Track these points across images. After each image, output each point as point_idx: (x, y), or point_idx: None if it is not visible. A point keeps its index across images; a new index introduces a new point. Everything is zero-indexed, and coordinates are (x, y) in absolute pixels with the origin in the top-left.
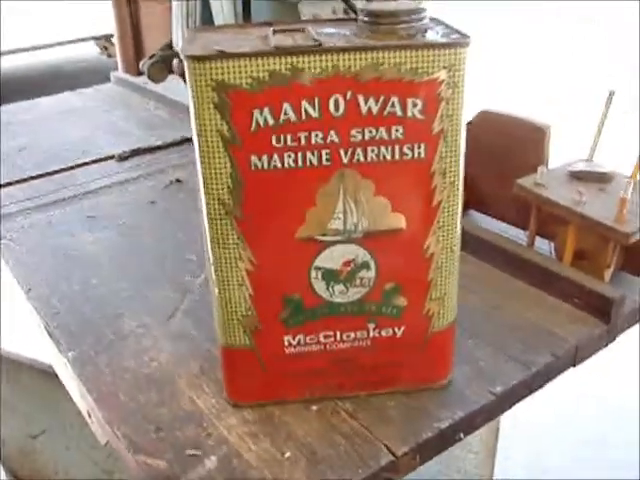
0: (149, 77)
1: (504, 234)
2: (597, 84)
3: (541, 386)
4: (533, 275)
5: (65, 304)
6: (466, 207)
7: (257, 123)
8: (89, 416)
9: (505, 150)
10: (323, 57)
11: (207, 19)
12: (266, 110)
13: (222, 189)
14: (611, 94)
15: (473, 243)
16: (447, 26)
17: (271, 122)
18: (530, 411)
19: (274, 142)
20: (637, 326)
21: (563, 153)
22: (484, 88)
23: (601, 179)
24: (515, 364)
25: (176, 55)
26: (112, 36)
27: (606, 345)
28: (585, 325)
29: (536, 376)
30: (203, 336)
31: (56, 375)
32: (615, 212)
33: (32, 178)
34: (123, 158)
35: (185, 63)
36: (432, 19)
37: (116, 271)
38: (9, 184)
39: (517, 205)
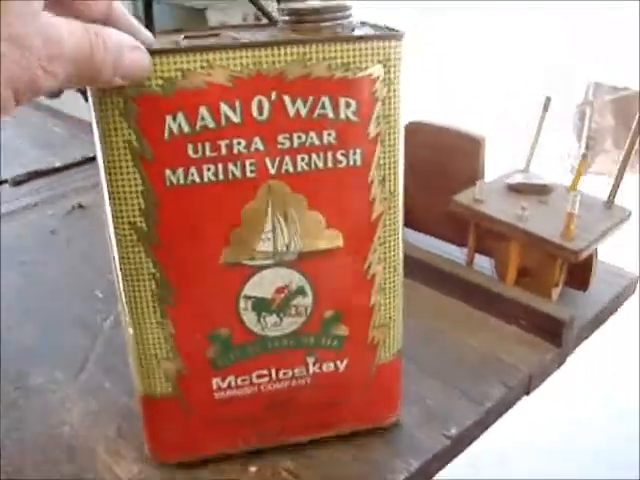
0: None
1: (438, 251)
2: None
3: (494, 422)
4: (475, 297)
5: None
6: None
7: (170, 131)
8: None
9: (438, 163)
10: (243, 53)
11: None
12: (180, 115)
13: (133, 210)
14: (548, 99)
15: (408, 263)
16: (376, 25)
17: (186, 129)
18: None
19: (190, 153)
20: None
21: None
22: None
23: (541, 191)
24: (467, 401)
25: None
26: None
27: (558, 368)
28: (534, 349)
29: (490, 412)
30: (118, 389)
31: None
32: (560, 227)
33: None
34: (17, 182)
35: None
36: (360, 21)
37: (18, 318)
38: None
39: (452, 221)
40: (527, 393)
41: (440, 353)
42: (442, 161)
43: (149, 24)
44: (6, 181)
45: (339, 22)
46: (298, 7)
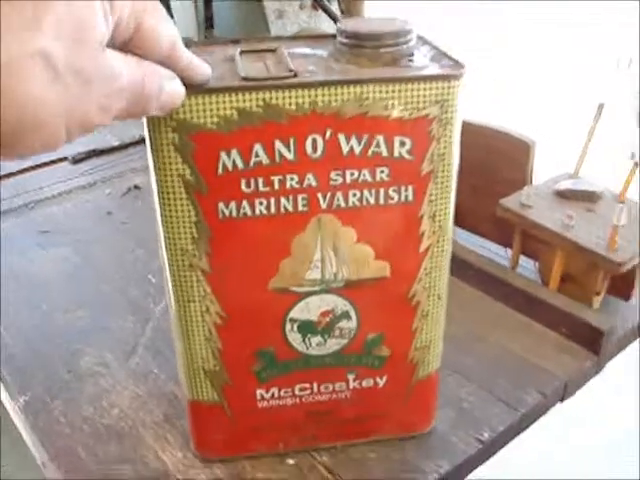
0: None
1: (484, 249)
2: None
3: (527, 427)
4: (518, 300)
5: (15, 337)
6: None
7: (224, 167)
8: (44, 467)
9: (487, 164)
10: (299, 92)
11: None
12: (234, 152)
13: (186, 239)
14: (600, 107)
15: (454, 262)
16: (434, 47)
17: (240, 165)
18: None
19: (244, 187)
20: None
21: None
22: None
23: (589, 198)
24: (502, 405)
25: None
26: None
27: (594, 376)
28: (573, 357)
29: (524, 418)
30: (165, 375)
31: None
32: (605, 238)
33: None
34: (77, 160)
35: None
36: (419, 38)
37: (72, 297)
38: None
39: (498, 222)
40: (562, 400)
41: (479, 357)
42: (491, 163)
43: (210, 19)
44: (66, 158)
45: (398, 48)
46: (357, 31)
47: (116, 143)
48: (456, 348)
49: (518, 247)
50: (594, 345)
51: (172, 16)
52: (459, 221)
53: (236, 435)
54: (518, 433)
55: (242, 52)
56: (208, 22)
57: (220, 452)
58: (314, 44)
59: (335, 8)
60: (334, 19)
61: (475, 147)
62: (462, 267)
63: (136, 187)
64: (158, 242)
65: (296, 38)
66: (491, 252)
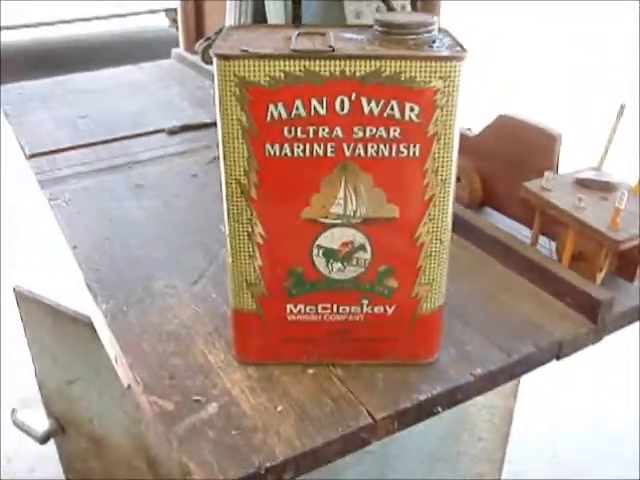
0: (202, 59)
1: (512, 231)
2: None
3: (521, 374)
4: (531, 272)
5: (105, 262)
6: (482, 204)
7: (272, 116)
8: (116, 361)
9: (518, 154)
10: (332, 62)
11: (259, 9)
12: (280, 105)
13: (239, 171)
14: (622, 107)
15: (480, 236)
16: (453, 38)
17: (284, 116)
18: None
19: (286, 133)
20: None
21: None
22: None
23: (605, 188)
24: (498, 351)
25: None
26: None
27: (592, 344)
28: (572, 323)
29: (517, 364)
30: (221, 299)
31: (92, 326)
32: (609, 221)
33: (87, 145)
34: (172, 132)
35: (214, 60)
36: (441, 30)
37: (155, 236)
38: (66, 149)
39: (525, 205)
40: (557, 358)
41: (486, 311)
42: (522, 152)
43: (297, 15)
44: (163, 130)
45: (421, 37)
46: (388, 20)
47: (208, 120)
48: (467, 301)
49: (538, 226)
50: (593, 314)
51: (265, 15)
52: (495, 205)
53: (269, 343)
54: (510, 377)
55: (299, 34)
56: (297, 21)
57: (254, 357)
58: (359, 31)
59: (409, 9)
60: (390, 9)
61: (508, 137)
62: (489, 241)
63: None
64: (219, 174)
65: (347, 26)
66: (519, 233)
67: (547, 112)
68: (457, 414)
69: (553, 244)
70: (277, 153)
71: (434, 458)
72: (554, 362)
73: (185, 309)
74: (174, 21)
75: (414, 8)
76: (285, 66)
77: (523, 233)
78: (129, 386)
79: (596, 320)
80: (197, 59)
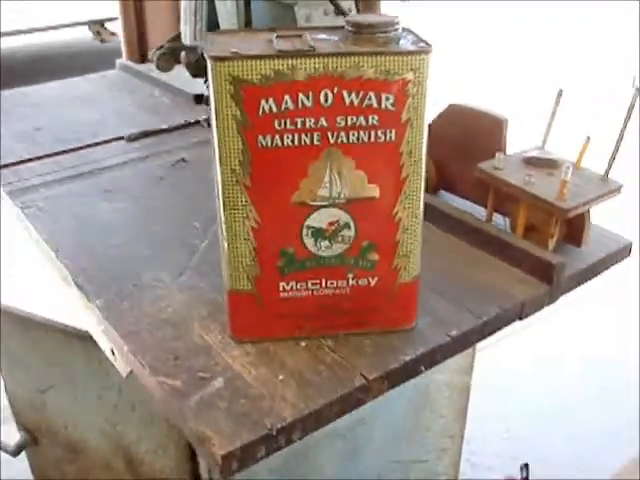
0: (157, 67)
1: (468, 211)
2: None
3: (491, 333)
4: (490, 245)
5: (90, 262)
6: (437, 188)
7: (263, 110)
8: (112, 353)
9: (469, 139)
10: (316, 60)
11: (212, 16)
12: (271, 100)
13: (234, 162)
14: (560, 92)
15: (440, 218)
16: (416, 35)
17: (274, 109)
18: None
19: (276, 125)
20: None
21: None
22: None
23: (550, 165)
24: (469, 314)
25: (183, 47)
26: (106, 21)
27: (548, 304)
28: (531, 286)
29: (486, 324)
30: (209, 288)
31: (63, 332)
32: (557, 192)
33: (50, 155)
34: (132, 139)
35: (208, 62)
36: (404, 29)
37: (134, 236)
38: (30, 160)
39: (479, 186)
40: (520, 318)
41: (457, 284)
42: (472, 137)
43: (248, 16)
44: (123, 137)
45: (388, 35)
46: (358, 21)
47: (164, 126)
48: (436, 275)
49: (492, 203)
50: (548, 277)
51: (217, 18)
52: (450, 188)
53: (263, 320)
54: (481, 337)
55: (277, 36)
56: (248, 25)
57: (250, 334)
58: (329, 32)
59: (352, 9)
60: (343, 13)
61: (458, 125)
62: (449, 221)
63: (183, 160)
64: (213, 166)
65: (317, 28)
66: (475, 213)
67: (499, 102)
68: (419, 393)
69: (507, 220)
70: (269, 144)
71: (400, 436)
72: (511, 336)
73: (176, 298)
74: (97, 33)
75: (357, 7)
76: (274, 65)
77: (479, 213)
78: (131, 372)
79: (551, 282)
80: (144, 68)
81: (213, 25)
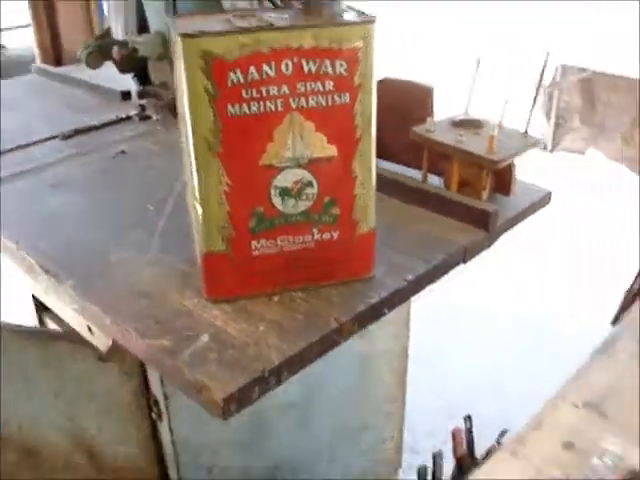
0: (87, 64)
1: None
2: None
3: (440, 276)
4: (429, 202)
5: (54, 248)
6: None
7: (232, 81)
8: (89, 330)
9: (401, 107)
10: (277, 33)
11: (140, 12)
12: (238, 72)
13: (206, 131)
14: (478, 61)
15: (381, 182)
16: (358, 11)
17: (241, 80)
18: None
19: (244, 95)
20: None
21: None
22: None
23: (476, 125)
24: (420, 261)
25: (114, 43)
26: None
27: (487, 247)
28: (470, 233)
29: (436, 268)
30: (175, 261)
31: (13, 330)
32: (486, 147)
33: None
34: (67, 137)
35: (179, 39)
36: (348, 6)
37: (91, 223)
38: None
39: (413, 150)
40: (464, 261)
41: (406, 237)
42: (404, 106)
43: (174, 8)
44: (57, 136)
45: (334, 8)
46: None
47: (96, 123)
48: (385, 232)
49: (426, 164)
50: (484, 224)
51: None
52: (385, 154)
53: (237, 279)
54: (433, 280)
55: (234, 16)
56: (143, 22)
57: (226, 294)
58: (280, 11)
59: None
60: (275, 5)
61: (390, 96)
62: (387, 184)
63: (123, 152)
64: (185, 136)
65: (266, 8)
66: (410, 175)
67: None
68: (362, 361)
69: (441, 179)
70: (237, 112)
71: (347, 403)
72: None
73: (146, 273)
74: None
75: None
76: (241, 39)
77: (415, 176)
78: (113, 342)
79: (488, 228)
80: (61, 71)
81: (141, 20)
